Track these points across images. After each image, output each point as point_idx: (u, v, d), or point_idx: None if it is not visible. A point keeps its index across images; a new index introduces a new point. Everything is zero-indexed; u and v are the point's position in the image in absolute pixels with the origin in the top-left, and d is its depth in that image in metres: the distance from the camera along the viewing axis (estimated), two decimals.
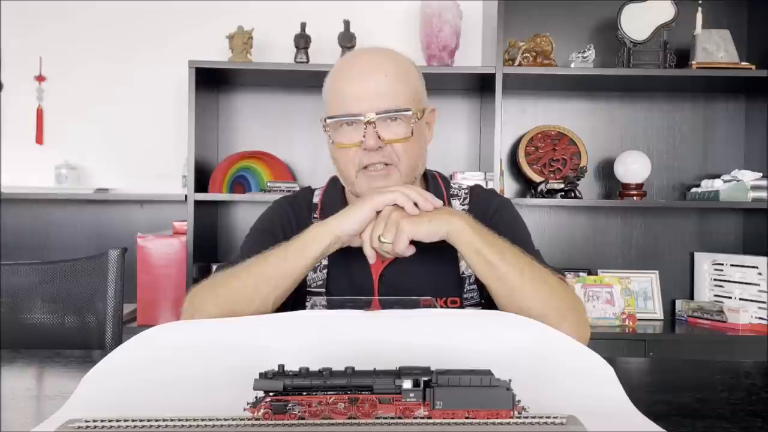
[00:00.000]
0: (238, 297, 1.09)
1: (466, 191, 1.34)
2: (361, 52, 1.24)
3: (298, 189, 2.33)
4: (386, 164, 1.18)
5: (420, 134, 1.21)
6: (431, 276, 1.23)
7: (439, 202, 1.12)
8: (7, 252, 2.67)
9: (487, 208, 1.29)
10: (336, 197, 1.30)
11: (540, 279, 1.08)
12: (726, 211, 2.83)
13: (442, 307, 1.22)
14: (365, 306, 1.04)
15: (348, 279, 1.24)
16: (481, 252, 1.07)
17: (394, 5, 2.82)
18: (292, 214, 1.30)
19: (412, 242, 1.20)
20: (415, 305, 1.03)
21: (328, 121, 1.18)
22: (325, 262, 1.25)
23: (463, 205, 1.30)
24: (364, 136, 1.15)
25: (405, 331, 0.95)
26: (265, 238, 1.24)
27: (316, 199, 1.33)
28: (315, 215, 1.30)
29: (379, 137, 1.15)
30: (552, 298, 1.07)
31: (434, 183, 1.31)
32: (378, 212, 1.10)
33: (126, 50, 2.81)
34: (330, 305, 1.15)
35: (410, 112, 1.17)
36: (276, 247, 1.12)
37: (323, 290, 1.24)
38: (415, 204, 1.09)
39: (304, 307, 1.24)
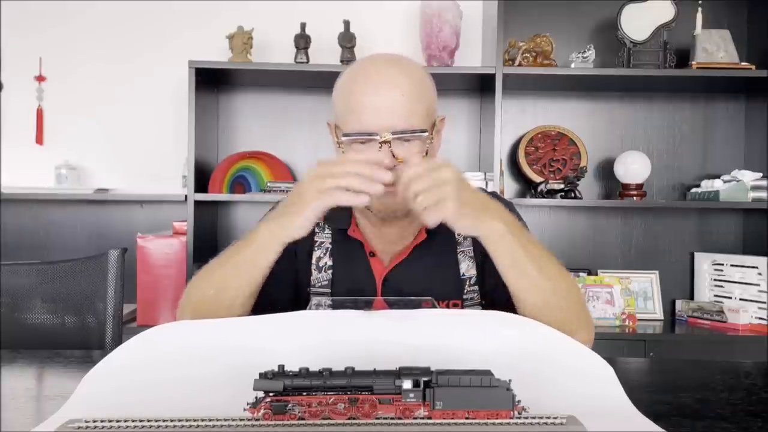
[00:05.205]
0: (206, 306, 1.10)
1: None
2: (374, 63, 1.19)
3: None
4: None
5: (432, 151, 1.20)
6: (434, 279, 1.23)
7: (417, 159, 1.04)
8: (7, 252, 2.67)
9: None
10: None
11: (569, 289, 1.08)
12: (726, 211, 2.83)
13: (443, 308, 1.22)
14: (366, 306, 1.04)
15: (352, 281, 1.24)
16: (518, 262, 1.05)
17: (394, 5, 2.82)
18: None
19: (418, 246, 1.21)
20: (415, 306, 1.03)
21: (343, 138, 1.15)
22: (330, 263, 1.25)
23: None
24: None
25: (405, 331, 0.95)
26: None
27: None
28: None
29: (393, 156, 1.12)
30: (575, 307, 1.09)
31: None
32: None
33: (126, 50, 2.81)
34: (333, 305, 1.15)
35: (426, 134, 1.15)
36: (229, 250, 1.12)
37: (328, 291, 1.24)
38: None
39: (305, 308, 1.24)
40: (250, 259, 1.09)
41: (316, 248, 1.27)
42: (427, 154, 1.16)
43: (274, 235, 1.08)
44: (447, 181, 0.99)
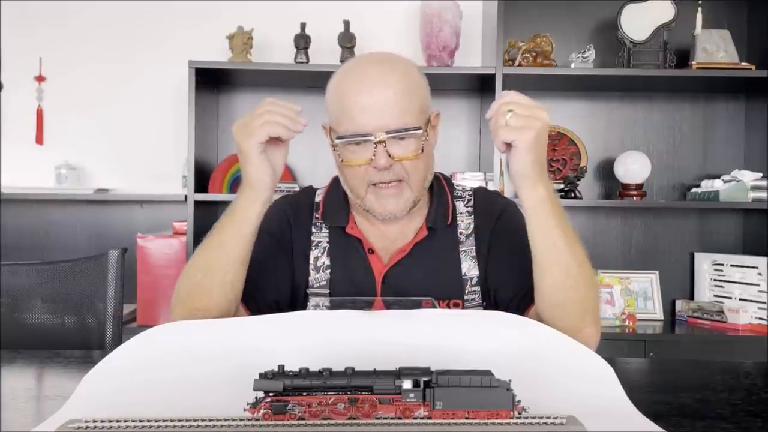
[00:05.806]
0: (196, 293, 1.12)
1: (470, 193, 1.32)
2: (365, 63, 1.20)
3: (298, 189, 2.35)
4: (397, 181, 1.17)
5: (429, 147, 1.19)
6: (434, 278, 1.23)
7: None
8: (7, 252, 2.67)
9: (492, 211, 1.28)
10: (338, 198, 1.29)
11: (591, 278, 1.09)
12: (726, 211, 2.83)
13: (443, 308, 1.21)
14: (366, 306, 1.04)
15: (351, 280, 1.23)
16: (552, 232, 1.05)
17: (394, 5, 2.82)
18: (291, 214, 1.29)
19: (419, 243, 1.21)
20: (415, 306, 1.03)
21: (337, 141, 1.15)
22: (327, 262, 1.25)
23: (467, 207, 1.30)
24: (374, 155, 1.12)
25: (405, 331, 0.95)
26: (261, 237, 1.24)
27: (318, 198, 1.32)
28: (316, 215, 1.29)
29: (389, 155, 1.13)
30: (592, 298, 1.09)
31: (438, 185, 1.30)
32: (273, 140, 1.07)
33: (126, 50, 2.81)
34: (331, 305, 1.15)
35: (420, 131, 1.15)
36: (210, 234, 1.13)
37: (326, 291, 1.24)
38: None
39: (304, 308, 1.23)
40: (234, 231, 1.11)
41: (313, 248, 1.27)
42: (423, 150, 1.16)
43: (247, 198, 1.10)
44: (541, 119, 1.01)
